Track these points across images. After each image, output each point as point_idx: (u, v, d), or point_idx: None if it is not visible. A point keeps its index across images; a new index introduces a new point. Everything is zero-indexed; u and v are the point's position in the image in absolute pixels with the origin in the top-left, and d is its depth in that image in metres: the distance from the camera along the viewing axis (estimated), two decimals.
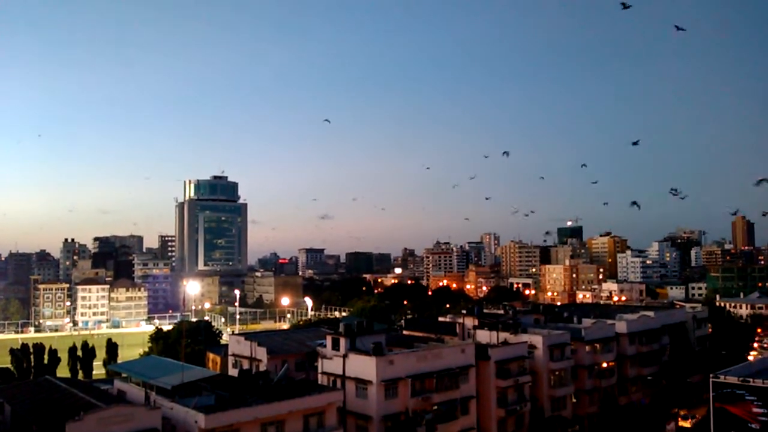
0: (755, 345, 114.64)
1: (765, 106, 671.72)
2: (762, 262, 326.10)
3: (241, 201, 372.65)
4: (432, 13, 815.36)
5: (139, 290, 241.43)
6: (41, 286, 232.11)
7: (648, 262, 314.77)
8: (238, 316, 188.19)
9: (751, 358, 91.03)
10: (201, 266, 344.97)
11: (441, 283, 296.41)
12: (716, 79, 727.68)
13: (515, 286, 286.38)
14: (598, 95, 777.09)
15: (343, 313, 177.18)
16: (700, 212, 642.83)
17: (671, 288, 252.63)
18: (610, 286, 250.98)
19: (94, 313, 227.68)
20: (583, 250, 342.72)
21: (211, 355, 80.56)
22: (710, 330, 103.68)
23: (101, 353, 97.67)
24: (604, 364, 76.50)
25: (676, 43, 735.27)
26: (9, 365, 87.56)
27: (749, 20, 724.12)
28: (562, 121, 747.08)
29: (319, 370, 57.86)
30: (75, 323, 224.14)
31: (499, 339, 69.28)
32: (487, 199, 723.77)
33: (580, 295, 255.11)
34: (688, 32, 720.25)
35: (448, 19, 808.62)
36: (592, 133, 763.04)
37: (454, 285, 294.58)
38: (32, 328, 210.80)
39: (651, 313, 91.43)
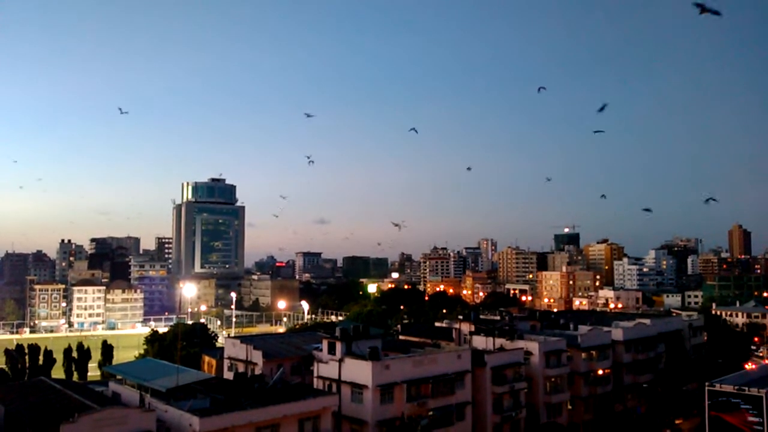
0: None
1: (762, 114, 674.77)
2: (758, 271, 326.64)
3: (238, 204, 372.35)
4: (427, 20, 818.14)
5: (135, 292, 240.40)
6: (37, 287, 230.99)
7: (644, 269, 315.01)
8: (234, 319, 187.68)
9: (746, 366, 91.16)
10: (198, 269, 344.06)
11: (438, 289, 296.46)
12: (713, 87, 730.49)
13: (512, 292, 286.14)
14: (593, 103, 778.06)
15: (340, 318, 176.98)
16: (697, 220, 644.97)
17: (667, 296, 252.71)
18: (606, 293, 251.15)
19: (90, 315, 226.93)
20: (580, 257, 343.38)
21: (206, 358, 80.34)
22: (706, 338, 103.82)
23: (96, 355, 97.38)
24: (600, 372, 76.53)
25: (672, 49, 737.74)
26: (4, 366, 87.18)
27: (747, 26, 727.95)
28: (556, 128, 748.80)
29: (315, 374, 57.75)
30: (70, 324, 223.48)
31: (495, 345, 69.30)
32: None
33: (576, 302, 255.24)
34: (684, 38, 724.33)
35: (442, 26, 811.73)
36: (588, 140, 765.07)
37: (451, 290, 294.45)
38: (27, 329, 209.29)
39: (647, 321, 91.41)
